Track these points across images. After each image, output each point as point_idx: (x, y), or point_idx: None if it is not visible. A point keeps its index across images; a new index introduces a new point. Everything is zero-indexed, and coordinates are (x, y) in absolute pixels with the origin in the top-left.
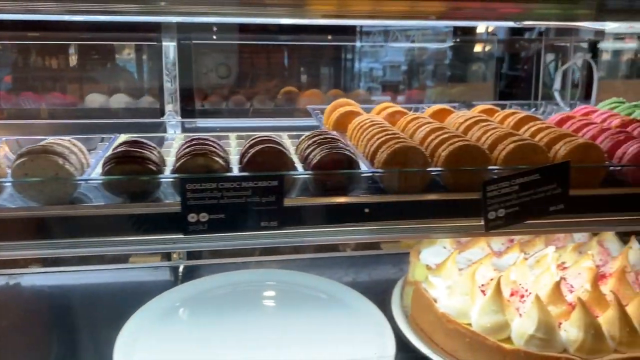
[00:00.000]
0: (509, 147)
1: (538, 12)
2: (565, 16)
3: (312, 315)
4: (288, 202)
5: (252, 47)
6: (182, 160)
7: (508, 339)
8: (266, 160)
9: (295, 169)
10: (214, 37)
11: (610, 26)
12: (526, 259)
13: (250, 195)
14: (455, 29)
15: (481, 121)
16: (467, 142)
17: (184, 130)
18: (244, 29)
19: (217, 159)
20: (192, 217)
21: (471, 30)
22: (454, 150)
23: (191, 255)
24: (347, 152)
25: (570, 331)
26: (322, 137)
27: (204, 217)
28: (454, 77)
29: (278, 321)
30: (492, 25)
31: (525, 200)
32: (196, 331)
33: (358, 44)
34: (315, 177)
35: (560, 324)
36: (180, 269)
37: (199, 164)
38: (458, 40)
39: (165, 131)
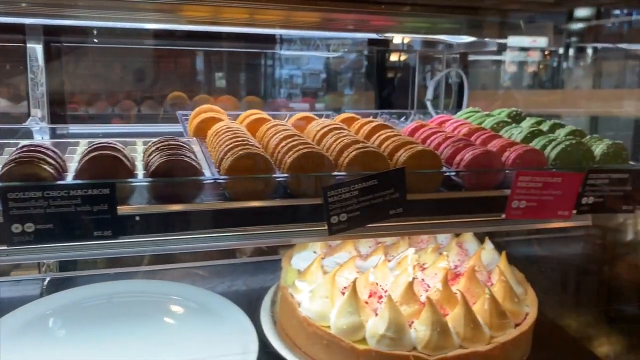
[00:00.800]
0: (351, 154)
1: (408, 26)
2: (433, 30)
3: (180, 324)
4: (123, 210)
5: (147, 52)
6: (7, 168)
7: (363, 340)
8: (100, 167)
9: (134, 176)
10: (95, 40)
11: (467, 39)
12: (389, 260)
13: (80, 204)
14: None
15: (335, 129)
16: (310, 149)
17: (55, 136)
18: (134, 33)
19: (45, 166)
20: (16, 228)
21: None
22: (297, 157)
23: (64, 266)
24: (185, 159)
25: (420, 329)
26: (165, 143)
27: (29, 227)
28: (342, 86)
29: (143, 332)
30: (361, 35)
31: (365, 204)
32: (52, 345)
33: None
34: (152, 185)
35: (412, 323)
36: (46, 281)
37: (25, 172)
38: (346, 50)
39: (31, 137)
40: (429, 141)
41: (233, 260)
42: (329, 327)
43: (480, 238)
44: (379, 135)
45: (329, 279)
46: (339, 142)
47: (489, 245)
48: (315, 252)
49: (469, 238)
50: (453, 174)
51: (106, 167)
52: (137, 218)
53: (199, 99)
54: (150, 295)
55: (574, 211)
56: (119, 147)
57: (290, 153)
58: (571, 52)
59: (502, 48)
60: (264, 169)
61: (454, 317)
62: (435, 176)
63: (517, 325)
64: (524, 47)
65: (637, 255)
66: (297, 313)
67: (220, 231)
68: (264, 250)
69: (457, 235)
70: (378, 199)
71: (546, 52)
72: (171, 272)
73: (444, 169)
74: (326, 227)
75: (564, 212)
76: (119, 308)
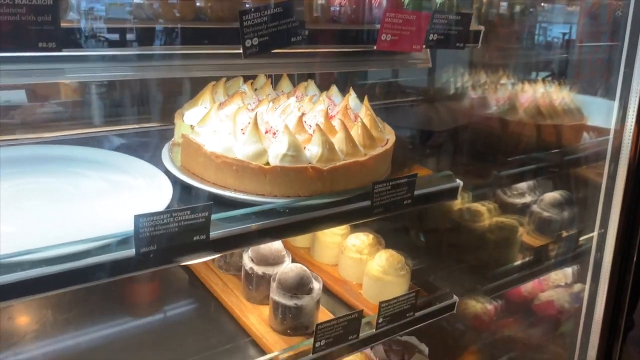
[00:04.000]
0: None
1: None
2: None
3: (90, 180)
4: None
5: None
6: None
7: (267, 163)
8: None
9: None
10: None
11: None
12: (275, 109)
13: (24, 14)
14: None
15: None
16: None
17: None
18: None
19: None
20: None
21: None
22: None
23: None
24: None
25: (312, 149)
26: None
27: None
28: None
29: (56, 188)
30: None
31: (272, 30)
32: None
33: None
34: None
35: (305, 147)
36: None
37: None
38: None
39: None
40: None
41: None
42: (235, 157)
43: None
44: None
45: (232, 118)
46: None
47: (353, 94)
48: (205, 108)
49: (335, 92)
50: (337, 8)
51: None
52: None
53: None
54: (42, 156)
55: (424, 45)
56: None
57: None
58: None
59: None
60: None
61: (337, 139)
62: (326, 9)
63: (382, 147)
64: None
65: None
66: (203, 150)
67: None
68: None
69: (325, 90)
70: (282, 25)
71: None
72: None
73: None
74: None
75: (417, 45)
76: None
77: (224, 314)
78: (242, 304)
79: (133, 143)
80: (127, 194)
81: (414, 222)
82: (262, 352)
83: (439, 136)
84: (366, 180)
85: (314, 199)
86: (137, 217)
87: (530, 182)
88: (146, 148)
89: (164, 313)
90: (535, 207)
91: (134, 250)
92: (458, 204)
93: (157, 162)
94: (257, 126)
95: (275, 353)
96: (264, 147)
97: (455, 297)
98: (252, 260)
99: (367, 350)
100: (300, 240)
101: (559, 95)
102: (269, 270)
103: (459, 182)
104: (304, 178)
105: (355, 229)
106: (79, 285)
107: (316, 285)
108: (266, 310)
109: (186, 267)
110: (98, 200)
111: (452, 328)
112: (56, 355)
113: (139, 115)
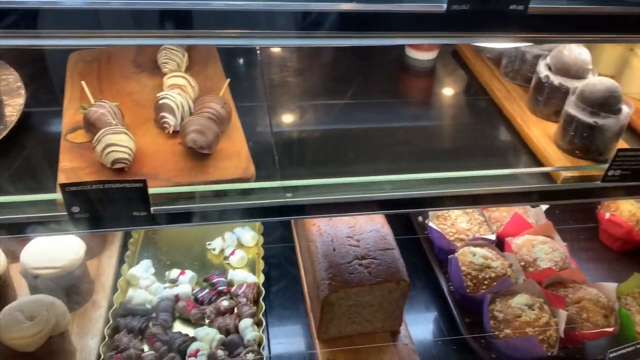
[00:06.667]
0: None
1: None
2: None
3: None
4: None
5: None
6: None
7: None
8: None
9: None
10: None
11: None
12: None
13: None
14: None
15: None
16: None
17: None
18: None
19: None
20: None
21: None
22: None
23: None
24: None
25: None
26: None
27: None
28: None
29: None
30: None
31: None
32: None
33: None
34: None
35: None
36: None
37: None
38: None
39: None
40: None
41: None
42: None
43: None
44: None
45: None
46: None
47: None
48: None
49: None
50: None
51: None
52: None
53: None
54: None
55: None
56: None
57: None
58: None
59: None
60: None
61: None
62: None
63: None
64: None
65: None
66: None
67: None
68: None
69: None
70: None
71: None
72: None
73: None
74: None
75: None
76: None
77: (503, 121)
78: (525, 115)
79: None
80: None
81: None
82: (542, 165)
83: None
84: None
85: None
86: None
87: None
88: None
89: (437, 105)
90: None
91: (445, 5)
92: None
93: None
94: None
95: (557, 168)
96: None
97: None
98: (549, 68)
99: None
100: (604, 67)
101: None
102: (567, 82)
103: None
104: None
105: None
106: (378, 36)
107: (626, 109)
108: (553, 127)
109: (468, 70)
110: None
111: None
112: (323, 128)
113: None
